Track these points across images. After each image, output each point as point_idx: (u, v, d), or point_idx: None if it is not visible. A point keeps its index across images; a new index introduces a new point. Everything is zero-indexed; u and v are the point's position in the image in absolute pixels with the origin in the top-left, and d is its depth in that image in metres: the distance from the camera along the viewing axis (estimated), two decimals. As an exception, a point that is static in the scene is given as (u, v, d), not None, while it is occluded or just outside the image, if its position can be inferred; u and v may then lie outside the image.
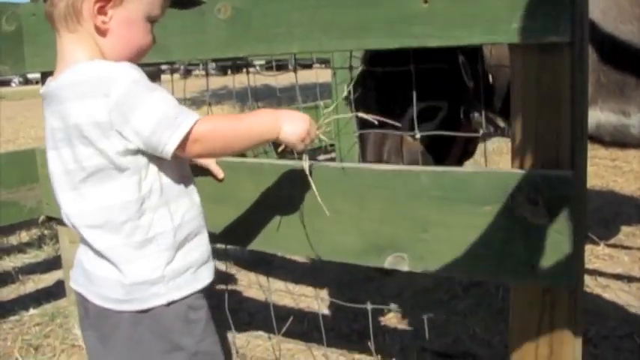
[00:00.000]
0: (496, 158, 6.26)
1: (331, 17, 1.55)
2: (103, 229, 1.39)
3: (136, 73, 1.34)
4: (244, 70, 2.11)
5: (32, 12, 2.29)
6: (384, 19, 1.47)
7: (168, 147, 1.32)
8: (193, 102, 10.84)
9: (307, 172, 1.58)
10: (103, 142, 1.33)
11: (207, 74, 2.18)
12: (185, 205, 1.47)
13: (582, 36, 1.35)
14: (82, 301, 1.49)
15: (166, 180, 1.42)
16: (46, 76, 2.30)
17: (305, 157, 1.59)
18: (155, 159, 1.39)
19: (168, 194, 1.43)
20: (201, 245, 1.51)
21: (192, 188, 1.51)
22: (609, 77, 2.36)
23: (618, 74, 2.35)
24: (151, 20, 1.44)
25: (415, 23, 1.43)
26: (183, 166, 1.50)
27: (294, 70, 1.88)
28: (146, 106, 1.31)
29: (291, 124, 1.44)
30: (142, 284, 1.40)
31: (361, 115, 1.65)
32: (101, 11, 1.37)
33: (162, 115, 1.31)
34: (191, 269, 1.47)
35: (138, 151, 1.35)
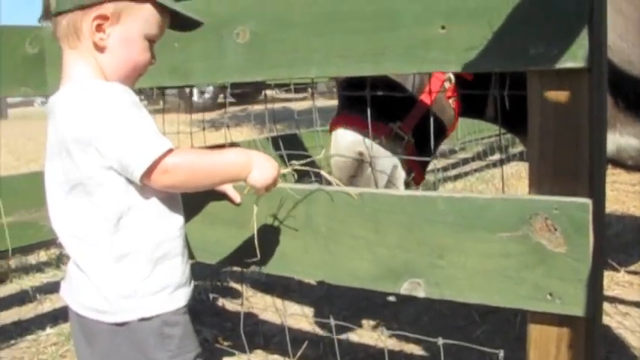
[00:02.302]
0: (514, 182, 6.23)
1: (349, 42, 1.55)
2: (83, 241, 1.46)
3: (123, 97, 1.41)
4: (261, 95, 2.12)
5: (55, 35, 2.33)
6: (402, 43, 1.48)
7: (136, 172, 1.37)
8: (212, 124, 10.91)
9: (254, 217, 1.63)
10: (82, 156, 1.39)
11: (225, 97, 2.19)
12: (166, 225, 1.50)
13: (600, 62, 1.35)
14: (70, 309, 1.55)
15: (148, 199, 1.46)
16: (67, 98, 2.35)
17: (257, 200, 1.63)
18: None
19: (148, 213, 1.46)
20: (181, 267, 1.54)
21: (176, 209, 1.54)
22: (628, 101, 2.35)
23: (636, 98, 2.34)
24: (149, 39, 1.50)
25: (432, 48, 1.44)
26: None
27: (312, 96, 1.88)
28: (123, 129, 1.37)
29: (261, 171, 1.48)
30: (115, 297, 1.45)
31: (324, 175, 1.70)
32: (99, 29, 1.44)
33: (136, 140, 1.37)
34: (168, 289, 1.50)
35: (112, 170, 1.40)
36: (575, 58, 1.27)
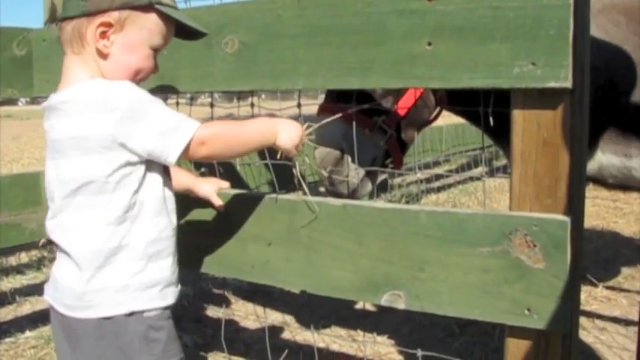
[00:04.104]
0: (497, 195, 6.28)
1: (336, 55, 1.57)
2: (83, 233, 1.47)
3: (137, 90, 1.45)
4: (249, 99, 2.14)
5: (43, 37, 2.32)
6: (388, 59, 1.50)
7: (173, 153, 1.43)
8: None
9: (299, 176, 1.67)
10: (102, 154, 1.42)
11: (212, 105, 2.20)
12: (163, 222, 1.55)
13: (583, 83, 1.37)
14: (54, 312, 1.56)
15: (150, 196, 1.51)
16: (53, 101, 2.34)
17: (295, 162, 1.69)
18: (145, 175, 1.49)
19: (149, 209, 1.51)
20: (172, 266, 1.58)
21: (172, 209, 1.59)
22: (610, 119, 2.37)
23: (619, 117, 2.37)
24: (153, 48, 1.54)
25: (418, 65, 1.46)
26: (168, 187, 1.58)
27: (299, 105, 1.90)
28: (150, 118, 1.43)
29: (287, 132, 1.57)
30: (106, 290, 1.47)
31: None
32: (103, 36, 1.47)
33: (165, 125, 1.43)
34: (159, 286, 1.53)
35: (131, 165, 1.45)
36: (557, 78, 1.30)
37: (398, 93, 2.14)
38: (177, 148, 1.43)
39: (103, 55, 1.49)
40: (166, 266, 1.55)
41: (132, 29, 1.49)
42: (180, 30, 1.60)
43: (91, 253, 1.46)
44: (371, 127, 2.11)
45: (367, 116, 2.07)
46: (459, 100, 2.17)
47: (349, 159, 2.08)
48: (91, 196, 1.45)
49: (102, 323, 1.47)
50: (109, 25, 1.46)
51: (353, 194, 2.14)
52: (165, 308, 1.55)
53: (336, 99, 2.07)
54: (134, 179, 1.47)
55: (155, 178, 1.52)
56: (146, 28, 1.51)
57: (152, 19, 1.51)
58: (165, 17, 1.53)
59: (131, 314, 1.48)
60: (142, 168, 1.48)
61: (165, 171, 1.56)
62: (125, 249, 1.48)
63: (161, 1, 1.51)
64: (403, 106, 2.17)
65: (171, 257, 1.57)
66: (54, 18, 1.51)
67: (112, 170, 1.43)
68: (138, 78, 1.54)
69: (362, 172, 2.13)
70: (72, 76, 1.50)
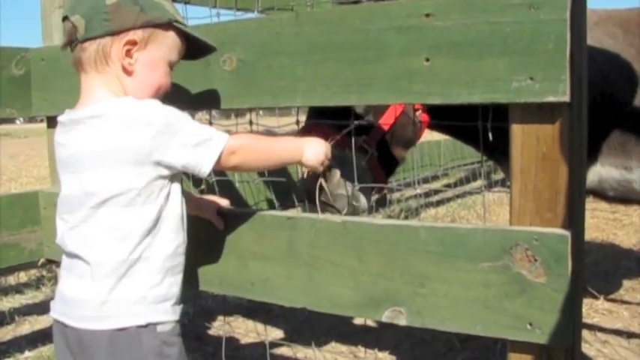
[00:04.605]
0: (497, 209, 6.28)
1: (334, 72, 1.57)
2: (107, 243, 1.48)
3: (167, 106, 1.50)
4: (247, 115, 2.14)
5: (41, 57, 2.33)
6: (386, 75, 1.50)
7: (207, 164, 1.50)
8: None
9: (327, 190, 1.83)
10: (135, 167, 1.46)
11: (211, 123, 2.20)
12: (179, 239, 1.58)
13: (581, 96, 1.37)
14: (61, 330, 1.55)
15: (172, 212, 1.55)
16: (52, 119, 2.34)
17: (321, 179, 1.82)
18: (170, 191, 1.53)
19: (169, 224, 1.54)
20: (181, 283, 1.61)
21: (185, 228, 1.62)
22: (609, 132, 2.38)
23: (618, 130, 2.37)
24: (170, 65, 1.59)
25: (416, 80, 1.46)
26: (184, 206, 1.60)
27: (297, 123, 1.90)
28: (184, 131, 1.48)
29: (313, 149, 1.64)
30: (124, 300, 1.48)
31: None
32: (128, 54, 1.51)
33: (198, 138, 1.49)
34: (171, 301, 1.56)
35: (161, 180, 1.50)
36: (556, 92, 1.30)
37: (377, 110, 2.13)
38: (211, 158, 1.49)
39: (128, 73, 1.53)
40: (178, 282, 1.59)
41: (153, 47, 1.54)
42: (187, 48, 1.64)
43: (114, 264, 1.48)
44: (349, 146, 1.98)
45: (346, 135, 1.98)
46: (440, 116, 2.15)
47: (338, 173, 2.05)
48: (119, 208, 1.47)
49: (116, 336, 1.47)
50: (134, 43, 1.51)
51: (348, 209, 2.11)
52: (177, 322, 1.57)
53: (318, 116, 2.06)
54: (162, 194, 1.51)
55: (177, 196, 1.56)
56: (165, 45, 1.56)
57: (171, 36, 1.57)
58: (181, 35, 1.59)
59: (146, 326, 1.49)
60: (168, 184, 1.53)
61: (182, 190, 1.60)
62: (145, 261, 1.50)
63: (177, 19, 1.57)
64: (385, 123, 2.14)
65: (182, 274, 1.61)
66: (72, 39, 1.52)
67: (144, 184, 1.47)
68: (158, 95, 1.58)
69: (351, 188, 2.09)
70: (94, 94, 1.53)
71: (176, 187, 1.56)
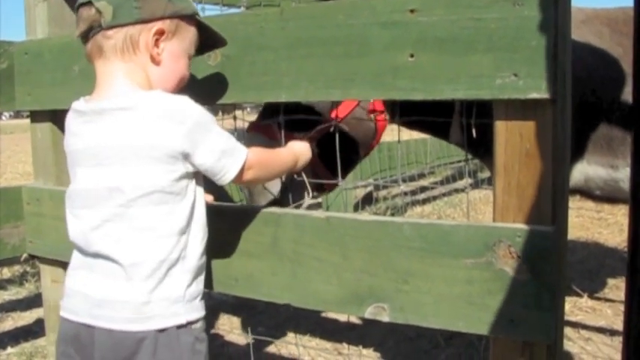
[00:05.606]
0: (482, 207, 6.30)
1: (318, 67, 1.57)
2: (144, 243, 1.46)
3: (198, 105, 1.49)
4: (234, 112, 2.13)
5: (25, 51, 2.31)
6: (370, 71, 1.50)
7: (230, 173, 1.50)
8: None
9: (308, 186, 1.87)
10: (168, 165, 1.44)
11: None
12: (206, 237, 1.58)
13: (564, 93, 1.37)
14: (79, 332, 1.49)
15: (200, 209, 1.55)
16: (36, 114, 2.33)
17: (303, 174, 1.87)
18: (196, 189, 1.53)
19: (199, 222, 1.55)
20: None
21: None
22: (595, 130, 2.39)
23: (604, 128, 2.38)
24: (189, 57, 1.60)
25: (400, 76, 1.46)
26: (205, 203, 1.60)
27: (280, 126, 1.88)
28: (213, 134, 1.48)
29: (304, 155, 1.77)
30: (164, 301, 1.47)
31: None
32: (156, 43, 1.50)
33: (226, 145, 1.49)
34: (199, 297, 1.56)
35: (188, 178, 1.49)
36: (539, 89, 1.30)
37: (332, 105, 2.05)
38: (235, 169, 1.50)
39: (156, 62, 1.52)
40: (202, 279, 1.58)
41: (178, 38, 1.55)
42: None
43: (154, 264, 1.45)
44: (278, 138, 1.94)
45: (290, 132, 1.93)
46: (406, 112, 2.05)
47: None
48: (152, 206, 1.45)
49: (158, 336, 1.45)
50: (163, 32, 1.51)
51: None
52: (205, 318, 1.57)
53: (268, 115, 2.05)
54: (190, 192, 1.51)
55: (201, 193, 1.56)
56: (188, 38, 1.57)
57: (192, 30, 1.58)
58: (199, 29, 1.60)
59: (185, 325, 1.49)
60: (194, 181, 1.52)
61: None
62: (182, 261, 1.50)
63: (198, 12, 1.59)
64: (336, 117, 2.02)
65: (204, 271, 1.61)
66: (94, 26, 1.47)
67: (175, 180, 1.46)
68: (180, 85, 1.59)
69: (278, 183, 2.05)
70: (116, 84, 1.49)
71: (200, 186, 1.55)
